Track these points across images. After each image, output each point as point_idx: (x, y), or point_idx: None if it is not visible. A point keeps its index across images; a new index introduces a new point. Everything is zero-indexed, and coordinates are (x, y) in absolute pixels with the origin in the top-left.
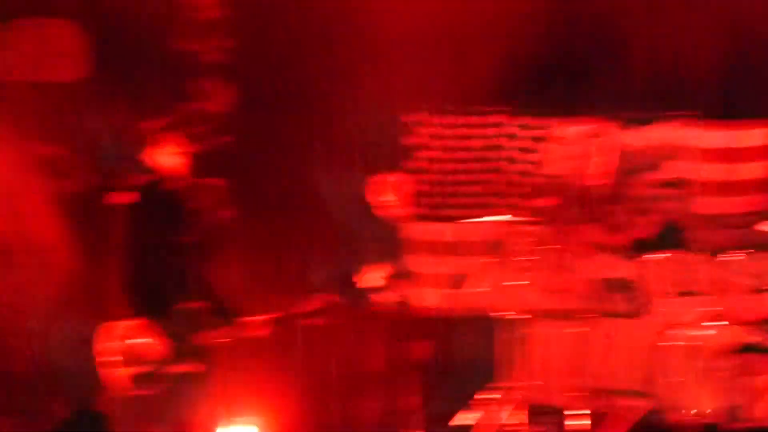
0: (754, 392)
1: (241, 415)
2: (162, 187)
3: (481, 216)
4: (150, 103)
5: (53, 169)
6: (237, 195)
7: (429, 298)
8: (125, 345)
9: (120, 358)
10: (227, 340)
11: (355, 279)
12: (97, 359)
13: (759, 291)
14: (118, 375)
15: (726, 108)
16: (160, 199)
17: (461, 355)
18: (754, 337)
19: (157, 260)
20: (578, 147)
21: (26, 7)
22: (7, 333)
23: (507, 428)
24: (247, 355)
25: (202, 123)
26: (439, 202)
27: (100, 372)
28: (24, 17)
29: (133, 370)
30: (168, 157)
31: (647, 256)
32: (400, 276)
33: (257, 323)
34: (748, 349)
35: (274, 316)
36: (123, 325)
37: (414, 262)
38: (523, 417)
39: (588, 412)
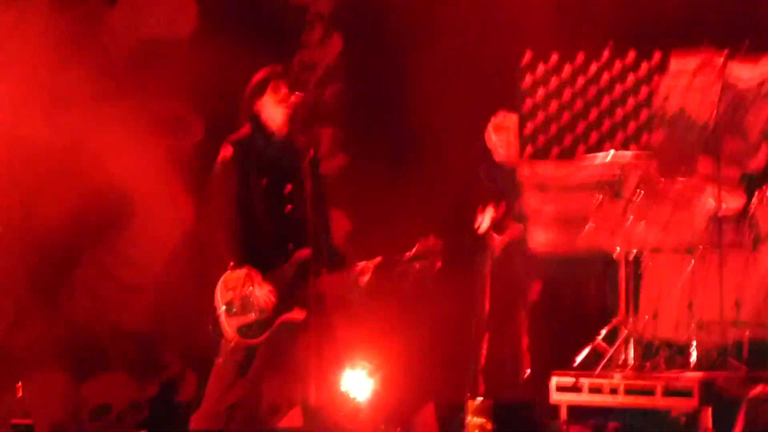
0: None
1: (353, 359)
2: (270, 137)
3: (595, 154)
4: (261, 54)
5: (172, 125)
6: (347, 142)
7: (545, 238)
8: (236, 295)
9: (232, 308)
10: (336, 287)
11: (471, 221)
12: (210, 310)
13: None
14: (230, 325)
15: None
16: (270, 149)
17: (579, 293)
18: None
19: (265, 210)
20: (689, 80)
21: None
22: (121, 287)
23: (626, 363)
24: (357, 301)
25: (312, 72)
26: (552, 142)
27: (212, 323)
28: None
29: (244, 319)
30: (279, 107)
31: (762, 187)
32: (516, 217)
33: (368, 269)
34: None
35: (385, 261)
36: (233, 275)
37: (530, 201)
38: (643, 353)
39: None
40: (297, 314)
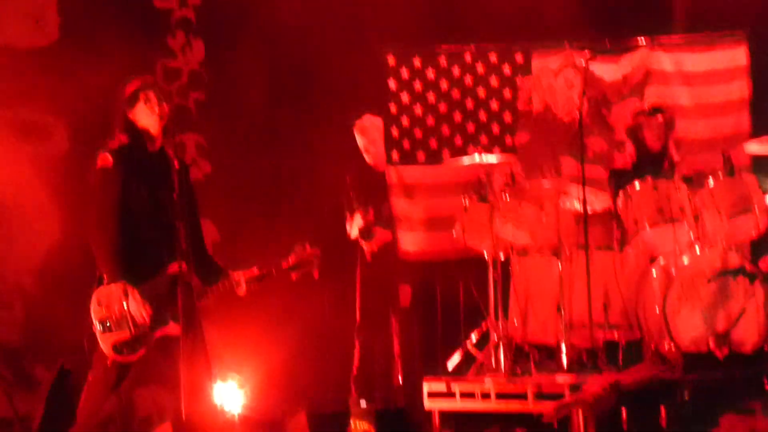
0: (733, 318)
1: (226, 371)
2: (146, 147)
3: (460, 156)
4: (124, 61)
5: (36, 133)
6: (211, 151)
7: (414, 242)
8: (111, 311)
9: (106, 324)
10: (210, 299)
11: (341, 227)
12: (85, 324)
13: (736, 215)
14: (105, 342)
15: (692, 29)
16: (140, 159)
17: (449, 298)
18: (733, 262)
19: (139, 222)
20: (552, 79)
21: None
22: None
23: (497, 368)
24: (230, 311)
25: (176, 79)
26: (418, 145)
27: (86, 339)
28: None
29: (119, 335)
30: (152, 117)
31: (627, 186)
32: (385, 221)
33: (241, 280)
34: (726, 273)
35: (257, 272)
36: (107, 290)
37: (397, 206)
38: (512, 355)
39: (576, 347)
40: (173, 329)
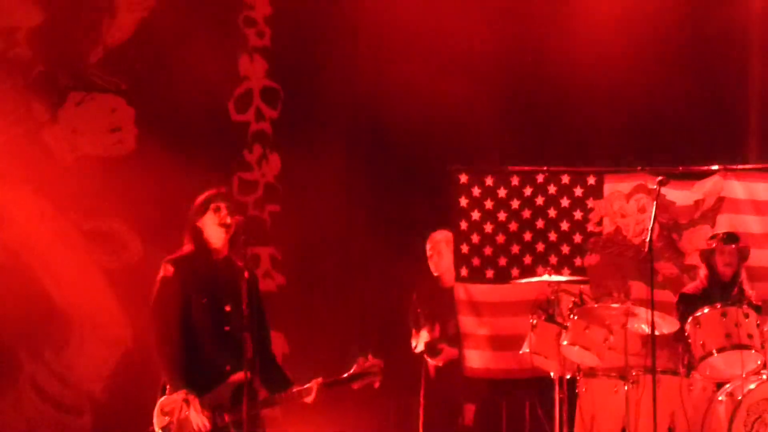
0: None
1: None
2: (210, 257)
3: (530, 276)
4: (200, 173)
5: (111, 242)
6: (285, 263)
7: (480, 360)
8: (172, 419)
9: (166, 430)
10: (277, 408)
11: (408, 342)
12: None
13: None
14: None
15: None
16: (210, 269)
17: (514, 417)
18: None
19: (205, 331)
20: (623, 202)
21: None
22: (57, 408)
23: None
24: (289, 424)
25: (251, 191)
26: (487, 263)
27: None
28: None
29: None
30: (219, 228)
31: (696, 311)
32: (451, 338)
33: (306, 391)
34: None
35: (323, 382)
36: (170, 399)
37: (464, 323)
38: None
39: None
40: None
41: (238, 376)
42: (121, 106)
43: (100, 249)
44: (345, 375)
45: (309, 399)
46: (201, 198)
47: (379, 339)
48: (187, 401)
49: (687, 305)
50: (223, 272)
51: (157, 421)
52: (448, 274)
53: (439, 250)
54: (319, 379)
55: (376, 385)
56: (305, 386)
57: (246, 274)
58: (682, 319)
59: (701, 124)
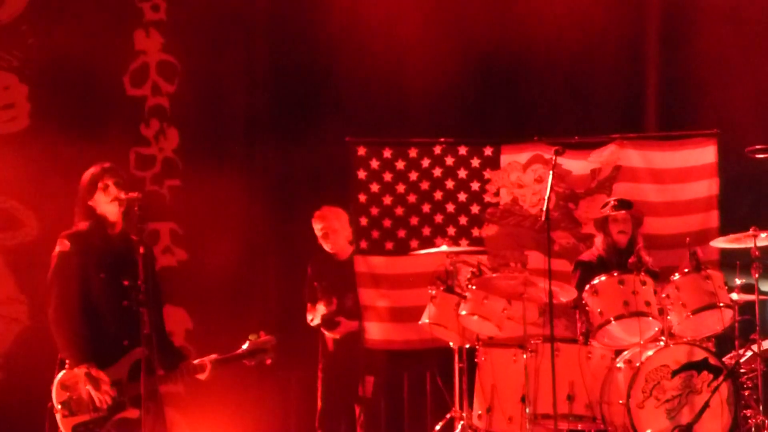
0: (697, 411)
1: None
2: (106, 231)
3: (428, 247)
4: (96, 148)
5: (5, 221)
6: (186, 238)
7: (379, 332)
8: (73, 394)
9: (68, 407)
10: (173, 384)
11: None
12: (47, 408)
13: (701, 310)
14: (65, 424)
15: (663, 128)
16: (107, 244)
17: (414, 387)
18: (697, 357)
19: (103, 306)
20: (520, 173)
21: None
22: None
23: None
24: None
25: (148, 167)
26: (386, 235)
27: (48, 422)
28: None
29: (79, 418)
30: (109, 204)
31: (593, 279)
32: (348, 311)
33: (200, 367)
34: (691, 367)
35: (215, 359)
36: (70, 374)
37: (364, 296)
38: None
39: None
40: (131, 413)
41: (137, 351)
42: (14, 83)
43: None
44: (237, 352)
45: (203, 376)
46: (87, 176)
47: (280, 313)
48: (88, 375)
49: (583, 273)
50: (120, 247)
51: (57, 396)
52: (343, 248)
53: (334, 228)
54: (212, 356)
55: (268, 362)
56: (197, 362)
57: (141, 249)
58: (580, 288)
59: (598, 94)
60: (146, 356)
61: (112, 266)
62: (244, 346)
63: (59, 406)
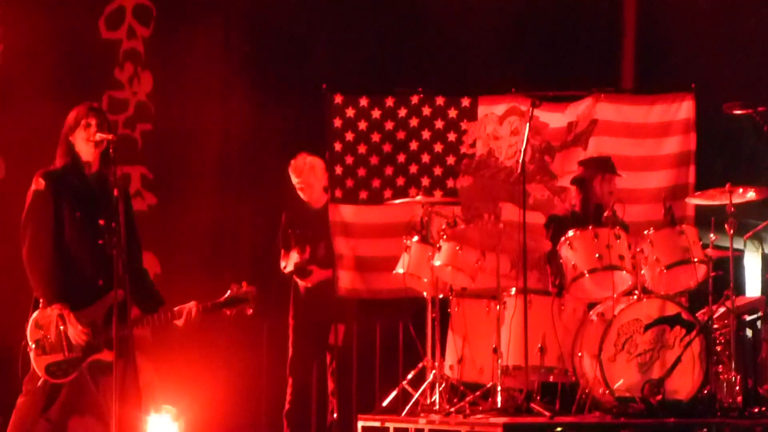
0: (669, 366)
1: (159, 403)
2: (83, 171)
3: (401, 197)
4: (68, 91)
5: None
6: (156, 183)
7: (352, 281)
8: (47, 333)
9: (42, 346)
10: (147, 328)
11: (277, 263)
12: (19, 348)
13: (674, 265)
14: (38, 363)
15: (640, 82)
16: (83, 183)
17: (386, 337)
18: (670, 311)
19: (73, 246)
20: (496, 124)
21: None
22: None
23: (432, 406)
24: (166, 343)
25: (121, 111)
26: (360, 185)
27: (21, 360)
28: None
29: (53, 357)
30: (86, 143)
31: (567, 232)
32: (321, 259)
33: (179, 313)
34: (663, 322)
35: (195, 305)
36: (45, 313)
37: (338, 244)
38: (447, 395)
39: (512, 389)
40: (106, 355)
41: (112, 294)
42: None
43: None
44: (218, 300)
45: (180, 322)
46: (73, 113)
47: (250, 260)
48: (62, 315)
49: (557, 226)
50: (96, 186)
51: (31, 335)
52: (319, 196)
53: (309, 183)
54: (193, 303)
55: (249, 311)
56: (178, 308)
57: (116, 191)
58: (554, 241)
59: (575, 47)
60: (121, 299)
61: (87, 205)
62: (226, 295)
63: (33, 345)
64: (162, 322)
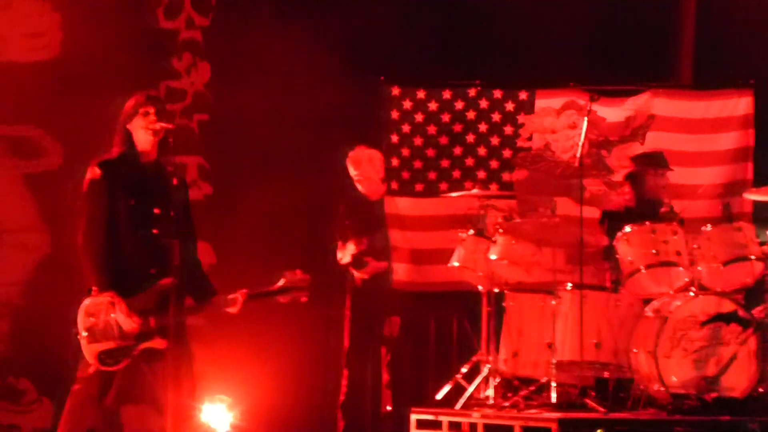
0: (724, 363)
1: (213, 393)
2: (139, 159)
3: (456, 190)
4: (126, 80)
5: (30, 149)
6: (213, 173)
7: (407, 273)
8: (98, 321)
9: (93, 333)
10: (199, 317)
11: (333, 254)
12: (71, 337)
13: (731, 262)
14: (90, 351)
15: (698, 77)
16: (139, 172)
17: (441, 330)
18: (726, 308)
19: (132, 233)
20: (554, 118)
21: None
22: None
23: (487, 401)
24: (222, 334)
25: (178, 101)
26: (416, 177)
27: (72, 349)
28: None
29: (104, 345)
30: (146, 132)
31: (625, 228)
32: (377, 251)
33: (237, 301)
34: (719, 319)
35: (248, 293)
36: (96, 301)
37: (393, 237)
38: (502, 389)
39: (566, 384)
40: (158, 343)
41: (165, 281)
42: (47, 11)
43: (19, 156)
44: (272, 288)
45: (233, 310)
46: (131, 101)
47: (305, 251)
48: (113, 303)
49: (612, 222)
50: (152, 176)
51: (82, 323)
52: (376, 188)
53: (367, 174)
54: (245, 290)
55: (304, 299)
56: (230, 296)
57: (175, 181)
58: (610, 236)
59: (633, 42)
60: (175, 287)
61: (142, 194)
62: (280, 283)
63: (84, 333)
64: (215, 309)
